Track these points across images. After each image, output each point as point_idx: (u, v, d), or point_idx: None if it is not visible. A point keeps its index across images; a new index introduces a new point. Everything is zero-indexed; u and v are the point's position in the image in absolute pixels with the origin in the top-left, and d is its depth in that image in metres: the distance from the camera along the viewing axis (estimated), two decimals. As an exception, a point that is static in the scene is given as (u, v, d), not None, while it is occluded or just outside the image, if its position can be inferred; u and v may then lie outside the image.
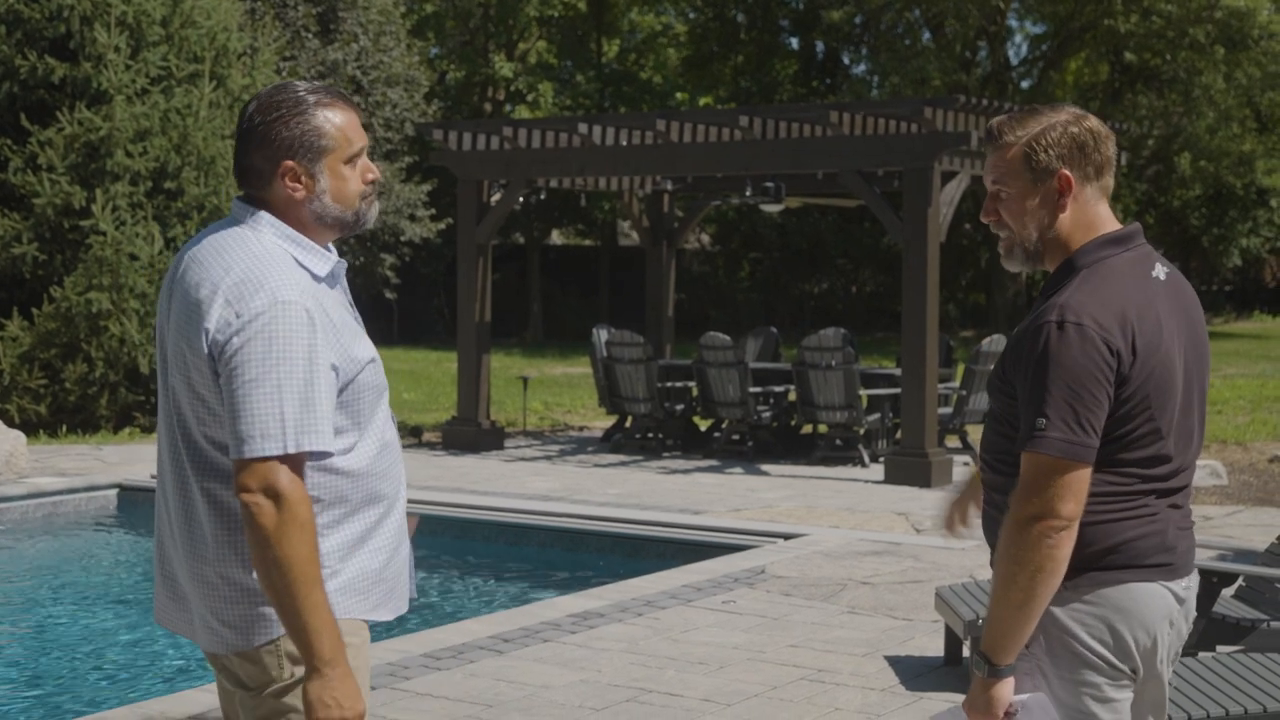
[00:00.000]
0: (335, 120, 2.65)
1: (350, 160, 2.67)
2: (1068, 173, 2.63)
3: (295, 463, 2.49)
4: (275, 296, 2.52)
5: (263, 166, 2.64)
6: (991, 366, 12.03)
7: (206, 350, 2.53)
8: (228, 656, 2.65)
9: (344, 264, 2.72)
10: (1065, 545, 2.52)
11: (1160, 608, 2.64)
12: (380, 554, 2.70)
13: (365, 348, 2.66)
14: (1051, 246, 2.67)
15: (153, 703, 5.33)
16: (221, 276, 2.56)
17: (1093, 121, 2.66)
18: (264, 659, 2.60)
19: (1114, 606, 2.61)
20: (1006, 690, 2.60)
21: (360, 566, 2.66)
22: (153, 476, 10.09)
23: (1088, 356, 2.50)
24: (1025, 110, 2.70)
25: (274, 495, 2.45)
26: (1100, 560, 2.59)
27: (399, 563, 2.76)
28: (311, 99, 2.64)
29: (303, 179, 2.63)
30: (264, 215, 2.64)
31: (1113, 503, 2.59)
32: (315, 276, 2.63)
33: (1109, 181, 2.69)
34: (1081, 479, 2.52)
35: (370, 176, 2.71)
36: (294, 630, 2.47)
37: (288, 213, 2.65)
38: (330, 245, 2.73)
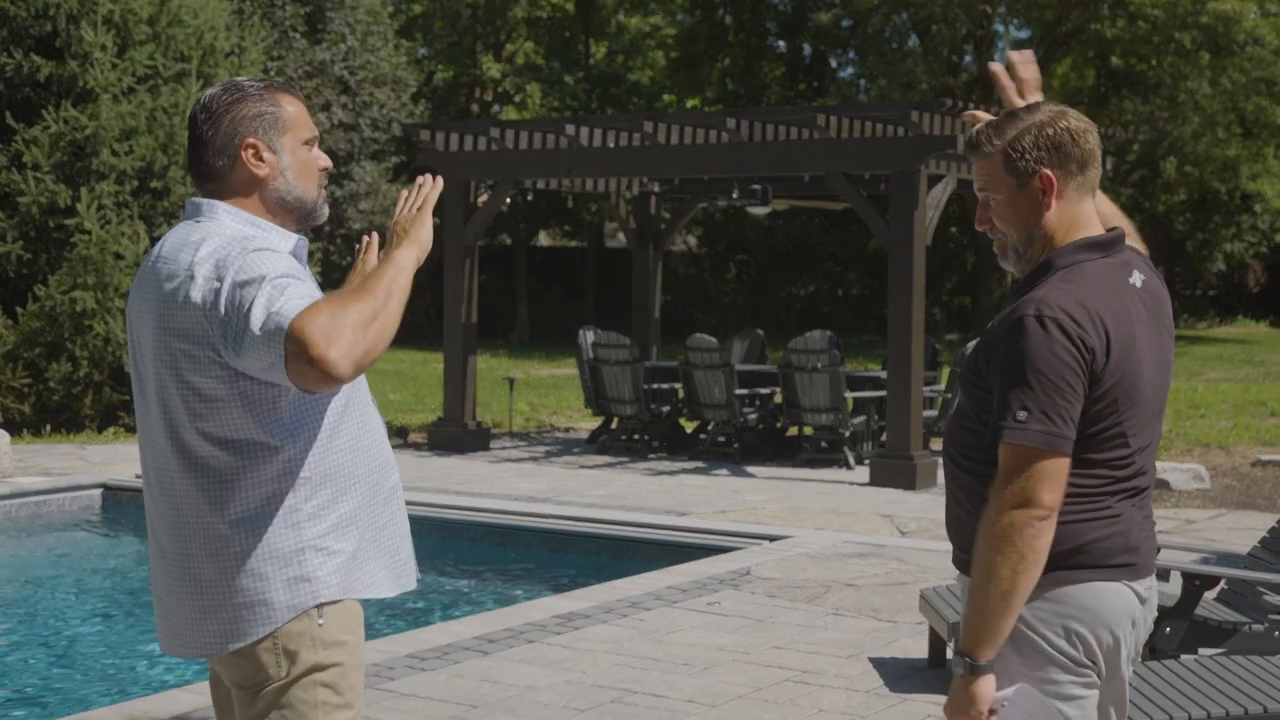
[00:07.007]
0: (291, 104, 2.71)
1: (308, 143, 2.71)
2: (1049, 172, 2.65)
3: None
4: (248, 249, 2.52)
5: (224, 148, 2.65)
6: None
7: (200, 320, 2.51)
8: (221, 658, 2.66)
9: (306, 242, 2.72)
10: (1046, 535, 2.53)
11: (1124, 607, 2.66)
12: (368, 529, 2.72)
13: None
14: (1039, 244, 2.70)
15: (137, 702, 5.33)
16: (190, 258, 2.56)
17: (1070, 118, 2.67)
18: (260, 656, 2.61)
19: (1079, 605, 2.62)
20: (988, 687, 2.58)
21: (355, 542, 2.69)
22: (137, 477, 10.07)
23: (1066, 350, 2.53)
24: (1003, 116, 2.72)
25: (309, 355, 2.39)
26: (1065, 560, 2.60)
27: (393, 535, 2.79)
28: (263, 84, 2.70)
29: (265, 155, 2.66)
30: (219, 205, 2.65)
31: (1079, 503, 2.61)
32: None
33: (1094, 174, 2.70)
34: (1062, 469, 2.54)
35: (324, 164, 2.74)
36: None
37: (249, 197, 2.66)
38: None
